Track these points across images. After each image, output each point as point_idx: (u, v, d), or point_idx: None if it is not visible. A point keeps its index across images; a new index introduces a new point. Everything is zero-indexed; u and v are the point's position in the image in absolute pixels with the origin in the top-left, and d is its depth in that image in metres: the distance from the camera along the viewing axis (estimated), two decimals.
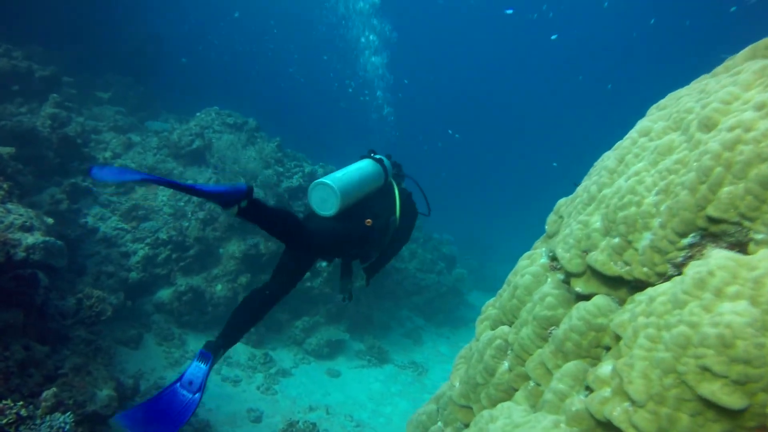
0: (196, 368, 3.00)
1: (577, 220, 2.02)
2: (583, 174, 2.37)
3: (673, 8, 25.42)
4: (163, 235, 8.29)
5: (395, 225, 3.75)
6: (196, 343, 8.24)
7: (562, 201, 2.44)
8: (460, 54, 40.20)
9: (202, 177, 8.99)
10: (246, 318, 3.42)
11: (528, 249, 2.60)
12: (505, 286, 2.47)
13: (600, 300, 1.85)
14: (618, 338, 1.64)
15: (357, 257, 3.87)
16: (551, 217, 2.47)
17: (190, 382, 2.94)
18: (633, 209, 1.81)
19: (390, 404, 8.43)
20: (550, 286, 2.08)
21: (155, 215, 8.67)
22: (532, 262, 2.35)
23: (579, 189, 2.22)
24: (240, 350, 8.61)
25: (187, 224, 8.63)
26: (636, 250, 1.78)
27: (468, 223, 25.99)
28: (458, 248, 17.76)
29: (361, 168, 3.60)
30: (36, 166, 7.74)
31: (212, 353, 3.09)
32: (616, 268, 1.83)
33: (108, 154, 8.95)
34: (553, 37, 29.10)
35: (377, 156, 3.90)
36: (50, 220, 5.20)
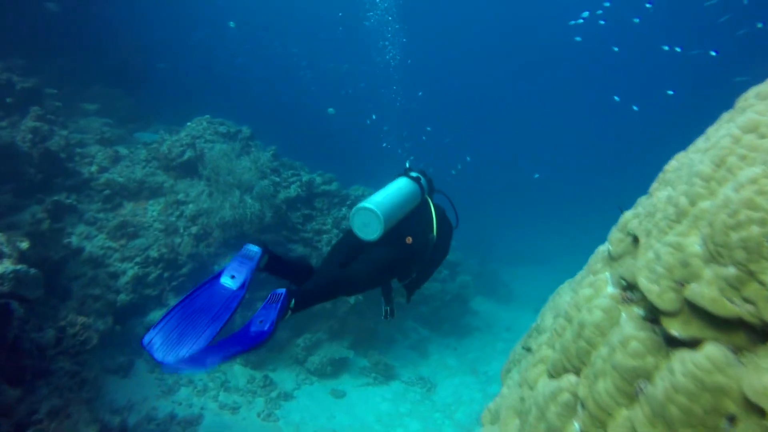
0: (239, 262, 2.73)
1: (665, 242, 1.57)
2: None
3: None
4: (153, 253, 7.80)
5: (433, 242, 3.64)
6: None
7: (629, 215, 1.99)
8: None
9: (195, 190, 8.51)
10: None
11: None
12: (562, 321, 2.02)
13: (714, 351, 1.40)
14: (760, 411, 1.19)
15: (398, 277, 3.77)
16: (616, 235, 2.03)
17: (232, 276, 2.63)
18: (754, 229, 1.37)
19: (400, 425, 7.94)
20: (631, 327, 1.63)
21: (145, 232, 8.18)
22: (596, 292, 1.90)
23: (657, 201, 1.77)
24: (238, 372, 8.12)
25: (179, 240, 8.15)
26: (763, 284, 1.34)
27: (462, 220, 25.48)
28: (458, 249, 17.33)
29: (400, 189, 3.48)
30: (16, 184, 7.26)
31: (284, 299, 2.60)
32: (733, 307, 1.38)
33: (94, 168, 8.46)
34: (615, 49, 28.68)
35: (414, 174, 3.82)
36: (25, 245, 4.71)
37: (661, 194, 1.77)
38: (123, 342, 7.30)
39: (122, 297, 7.30)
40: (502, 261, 22.90)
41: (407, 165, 4.04)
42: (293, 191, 9.46)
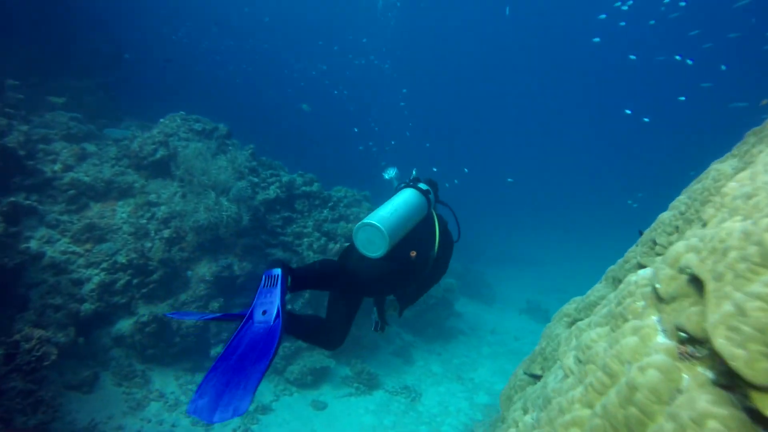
0: (264, 295, 2.49)
1: (750, 292, 1.23)
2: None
3: None
4: (122, 259, 7.29)
5: (433, 258, 3.53)
6: (161, 380, 7.27)
7: (681, 247, 1.65)
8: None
9: (167, 191, 8.01)
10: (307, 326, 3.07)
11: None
12: (602, 376, 1.67)
13: None
14: None
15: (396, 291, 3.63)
16: (666, 272, 1.69)
17: (264, 312, 2.42)
18: None
19: None
20: (706, 400, 1.27)
21: (113, 235, 7.66)
22: (644, 343, 1.56)
23: (723, 235, 1.43)
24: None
25: (150, 245, 7.65)
26: None
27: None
28: None
29: (408, 203, 3.33)
30: None
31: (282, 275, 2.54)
32: None
33: (58, 167, 7.89)
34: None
35: (423, 186, 3.64)
36: None
37: (728, 226, 1.43)
38: (87, 354, 6.81)
39: (86, 306, 6.79)
40: (483, 261, 22.77)
41: (414, 174, 3.87)
42: (272, 192, 9.02)
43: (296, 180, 9.59)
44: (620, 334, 1.74)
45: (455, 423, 8.06)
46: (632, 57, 27.53)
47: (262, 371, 2.14)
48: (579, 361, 2.21)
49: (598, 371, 1.77)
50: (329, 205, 9.76)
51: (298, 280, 2.68)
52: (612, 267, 3.81)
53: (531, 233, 32.19)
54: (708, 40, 24.85)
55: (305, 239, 9.03)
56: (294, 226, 9.15)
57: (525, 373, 3.99)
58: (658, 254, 2.81)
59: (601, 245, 29.96)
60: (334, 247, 9.07)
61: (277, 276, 2.53)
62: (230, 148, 8.79)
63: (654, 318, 1.69)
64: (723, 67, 25.13)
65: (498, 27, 37.01)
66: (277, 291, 2.48)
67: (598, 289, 3.54)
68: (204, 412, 2.01)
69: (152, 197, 8.17)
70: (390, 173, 5.01)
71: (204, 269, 7.85)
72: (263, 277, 2.56)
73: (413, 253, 3.25)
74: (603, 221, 37.47)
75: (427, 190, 3.65)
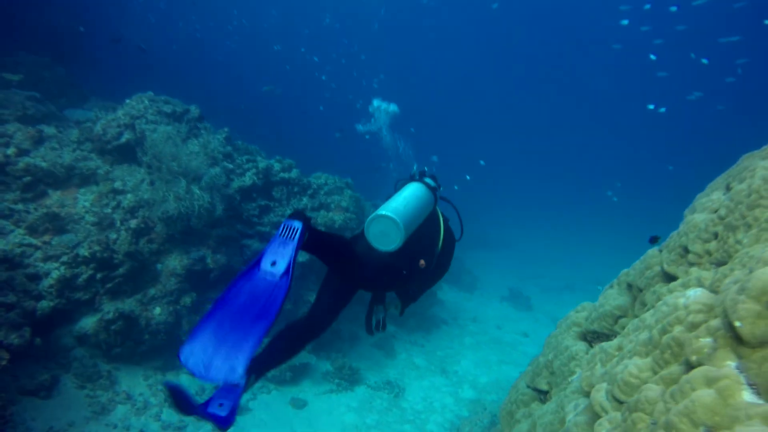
0: (279, 245, 2.34)
1: None
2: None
3: None
4: (84, 251, 6.73)
5: (438, 254, 3.43)
6: (129, 381, 6.80)
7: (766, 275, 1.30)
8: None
9: (134, 178, 7.43)
10: (281, 347, 2.89)
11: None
12: None
13: None
14: None
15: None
16: (749, 306, 1.33)
17: (273, 262, 2.27)
18: None
19: None
20: None
21: (74, 226, 7.09)
22: (724, 401, 1.22)
23: None
24: (184, 382, 7.23)
25: (115, 236, 7.10)
26: None
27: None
28: None
29: (417, 197, 3.21)
30: None
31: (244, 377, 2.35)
32: None
33: (11, 151, 7.22)
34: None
35: (430, 181, 3.54)
36: None
37: None
38: (46, 356, 6.29)
39: (44, 303, 6.25)
40: (461, 246, 22.54)
41: (415, 168, 3.78)
42: (248, 179, 8.51)
43: (274, 166, 9.08)
44: (687, 384, 1.39)
45: (441, 420, 7.81)
46: (616, 46, 27.41)
47: (260, 335, 2.05)
48: (616, 400, 1.87)
49: (651, 424, 1.42)
50: (309, 192, 9.30)
51: (312, 241, 2.54)
52: (626, 271, 3.49)
53: (508, 217, 32.16)
54: (659, 37, 24.90)
55: None
56: (271, 215, 8.67)
57: (528, 387, 3.68)
58: (692, 264, 2.48)
59: (578, 231, 30.19)
60: None
61: (297, 229, 2.37)
62: (203, 132, 8.22)
63: (732, 365, 1.34)
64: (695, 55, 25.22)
65: (482, 20, 36.59)
66: (293, 245, 2.33)
67: (612, 296, 3.21)
68: (191, 364, 1.98)
69: (117, 184, 7.59)
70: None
71: (175, 262, 7.35)
72: (282, 225, 2.42)
73: (422, 263, 3.18)
74: (580, 207, 37.79)
75: (434, 187, 3.54)
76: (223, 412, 2.42)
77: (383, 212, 2.89)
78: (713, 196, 2.81)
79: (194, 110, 8.68)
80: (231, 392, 2.49)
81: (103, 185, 7.58)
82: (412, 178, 3.60)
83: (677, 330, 1.78)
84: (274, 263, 2.28)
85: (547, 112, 46.39)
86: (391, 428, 7.43)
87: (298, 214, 2.44)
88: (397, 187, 3.68)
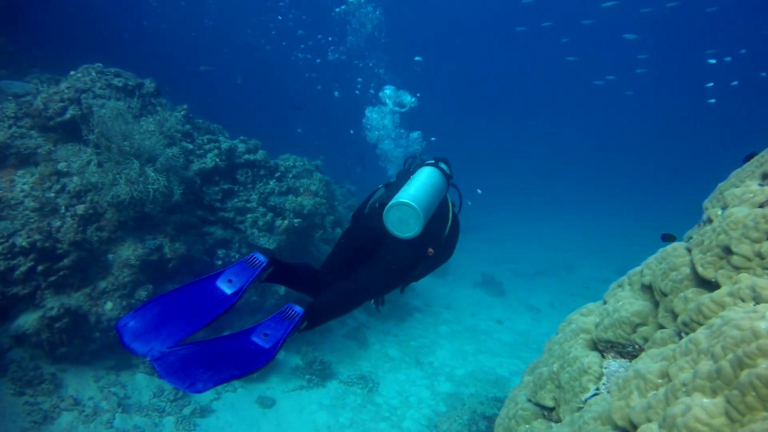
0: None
1: None
2: None
3: None
4: (21, 241, 6.00)
5: (444, 239, 3.41)
6: (77, 384, 6.16)
7: None
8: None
9: (80, 159, 6.66)
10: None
11: None
12: None
13: None
14: None
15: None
16: None
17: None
18: None
19: None
20: None
21: (10, 212, 6.32)
22: None
23: None
24: (141, 383, 6.65)
25: (59, 223, 6.37)
26: None
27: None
28: None
29: (434, 184, 3.20)
30: None
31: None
32: None
33: None
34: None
35: (445, 167, 3.49)
36: None
37: None
38: None
39: None
40: None
41: (421, 149, 3.98)
42: (210, 161, 7.83)
43: (238, 147, 8.41)
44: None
45: (417, 416, 7.45)
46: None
47: (190, 330, 2.30)
48: None
49: None
50: (276, 175, 8.68)
51: (277, 274, 2.77)
52: (638, 270, 3.08)
53: (479, 202, 32.13)
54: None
55: (249, 215, 7.95)
56: (236, 200, 8.03)
57: (530, 401, 3.28)
58: (737, 268, 2.08)
59: (548, 217, 30.36)
60: (282, 224, 8.06)
61: (261, 263, 2.56)
62: (158, 108, 7.46)
63: None
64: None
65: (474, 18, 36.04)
66: (251, 273, 2.51)
67: (628, 300, 2.81)
68: (125, 331, 2.24)
69: (61, 166, 6.82)
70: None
71: (128, 252, 6.67)
72: (250, 254, 2.61)
73: (431, 251, 3.16)
74: (550, 193, 38.10)
75: (449, 175, 3.53)
76: (266, 344, 2.38)
77: (404, 200, 2.90)
78: (752, 187, 2.40)
79: (149, 84, 7.90)
80: (280, 325, 2.45)
81: (45, 167, 6.80)
82: (421, 161, 3.62)
83: (764, 366, 1.35)
84: (230, 281, 2.46)
85: (514, 93, 46.47)
86: (365, 427, 7.03)
87: (266, 252, 2.62)
88: (407, 166, 3.81)
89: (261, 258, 2.57)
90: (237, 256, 7.63)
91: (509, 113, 49.29)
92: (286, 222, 8.03)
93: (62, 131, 7.16)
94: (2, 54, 10.09)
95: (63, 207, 6.57)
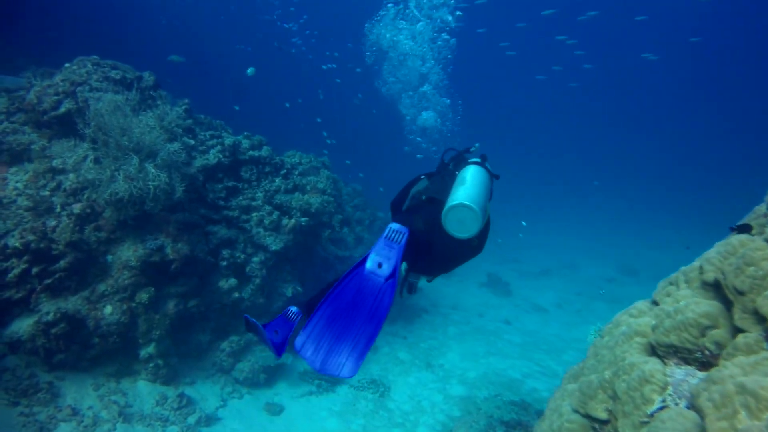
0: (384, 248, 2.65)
1: None
2: None
3: None
4: (14, 242, 5.65)
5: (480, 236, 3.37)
6: (76, 392, 5.82)
7: None
8: None
9: (74, 155, 6.30)
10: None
11: None
12: None
13: None
14: None
15: None
16: None
17: (380, 264, 2.55)
18: None
19: None
20: None
21: (3, 211, 5.98)
22: None
23: None
24: (142, 391, 6.31)
25: (54, 223, 6.02)
26: None
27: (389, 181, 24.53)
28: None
29: (485, 184, 3.24)
30: None
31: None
32: None
33: None
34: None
35: (489, 168, 3.49)
36: None
37: None
38: None
39: None
40: None
41: (475, 147, 3.84)
42: (213, 157, 7.49)
43: (242, 143, 8.08)
44: None
45: (431, 422, 7.12)
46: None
47: (372, 336, 2.34)
48: None
49: None
50: (282, 172, 8.34)
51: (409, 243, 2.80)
52: (695, 266, 2.77)
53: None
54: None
55: (254, 214, 7.62)
56: (240, 197, 7.70)
57: (576, 412, 2.96)
58: None
59: (553, 216, 30.10)
60: (289, 223, 7.72)
61: (404, 234, 2.66)
62: (158, 102, 7.12)
63: None
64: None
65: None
66: (399, 248, 2.57)
67: (692, 300, 2.49)
68: (307, 355, 2.35)
69: (56, 162, 6.47)
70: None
71: (128, 253, 6.32)
72: (387, 228, 2.73)
73: (475, 242, 3.19)
74: (556, 192, 37.88)
75: (495, 175, 3.52)
76: (277, 339, 2.59)
77: (466, 201, 2.94)
78: None
79: (148, 77, 7.56)
80: (285, 325, 2.64)
81: (39, 163, 6.45)
82: (462, 158, 3.62)
83: None
84: (380, 265, 2.50)
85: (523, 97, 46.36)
86: None
87: (403, 218, 2.78)
88: (444, 160, 3.76)
89: (402, 229, 2.69)
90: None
91: (510, 113, 49.25)
92: (293, 221, 7.70)
93: (57, 126, 6.82)
94: None
95: (58, 206, 6.23)
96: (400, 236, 2.62)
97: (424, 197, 3.24)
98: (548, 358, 10.49)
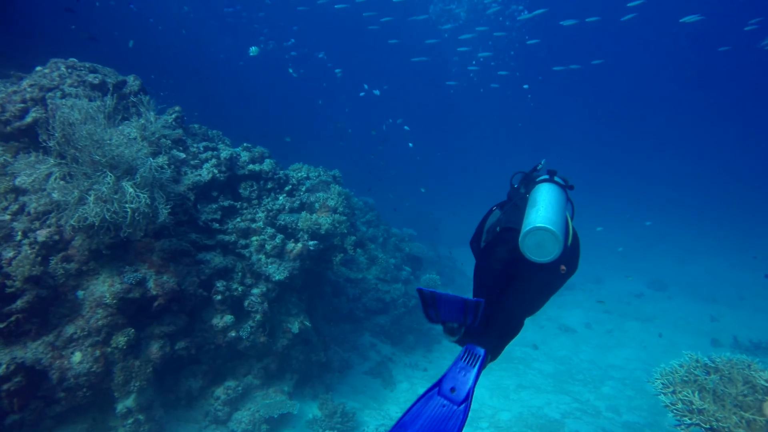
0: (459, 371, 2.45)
1: None
2: None
3: None
4: None
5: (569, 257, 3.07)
6: None
7: None
8: None
9: (35, 172, 5.30)
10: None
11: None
12: None
13: None
14: None
15: None
16: None
17: (452, 389, 2.38)
18: None
19: None
20: None
21: None
22: None
23: None
24: None
25: (11, 254, 5.01)
26: None
27: (409, 205, 23.71)
28: (418, 239, 15.06)
29: (560, 202, 2.99)
30: None
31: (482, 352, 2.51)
32: None
33: None
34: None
35: (560, 181, 3.27)
36: None
37: None
38: None
39: None
40: (445, 242, 20.97)
41: (542, 164, 3.63)
42: (206, 173, 6.47)
43: (241, 155, 7.05)
44: None
45: None
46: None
47: None
48: None
49: None
50: (286, 189, 7.30)
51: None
52: None
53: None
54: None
55: (254, 238, 6.57)
56: (238, 219, 6.66)
57: None
58: None
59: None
60: (295, 248, 6.66)
61: (479, 357, 2.49)
62: (142, 109, 6.12)
63: None
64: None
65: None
66: (474, 373, 2.42)
67: None
68: None
69: (20, 181, 5.47)
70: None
71: (102, 287, 5.29)
72: (464, 349, 2.54)
73: (563, 269, 2.90)
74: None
75: (569, 187, 3.33)
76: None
77: (538, 224, 2.74)
78: None
79: (132, 82, 6.58)
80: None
81: (0, 182, 5.46)
82: (531, 178, 3.45)
83: None
84: (453, 389, 2.35)
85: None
86: None
87: (483, 341, 2.53)
88: (514, 185, 3.57)
89: (478, 350, 2.50)
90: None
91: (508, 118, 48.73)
92: (299, 245, 6.64)
93: (25, 139, 5.83)
94: None
95: (20, 233, 5.22)
96: (476, 359, 2.45)
97: (498, 229, 3.05)
98: (586, 390, 9.32)
